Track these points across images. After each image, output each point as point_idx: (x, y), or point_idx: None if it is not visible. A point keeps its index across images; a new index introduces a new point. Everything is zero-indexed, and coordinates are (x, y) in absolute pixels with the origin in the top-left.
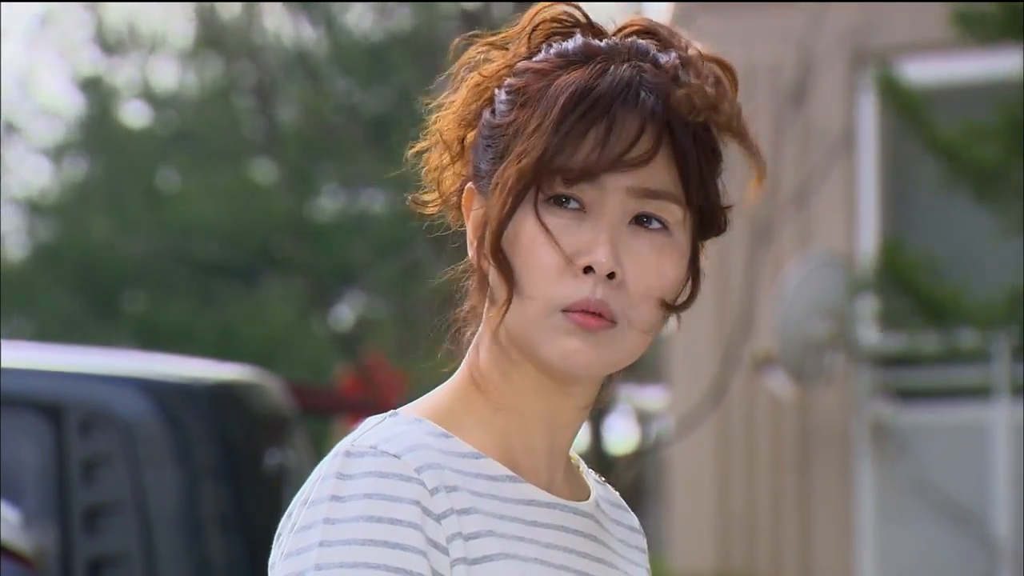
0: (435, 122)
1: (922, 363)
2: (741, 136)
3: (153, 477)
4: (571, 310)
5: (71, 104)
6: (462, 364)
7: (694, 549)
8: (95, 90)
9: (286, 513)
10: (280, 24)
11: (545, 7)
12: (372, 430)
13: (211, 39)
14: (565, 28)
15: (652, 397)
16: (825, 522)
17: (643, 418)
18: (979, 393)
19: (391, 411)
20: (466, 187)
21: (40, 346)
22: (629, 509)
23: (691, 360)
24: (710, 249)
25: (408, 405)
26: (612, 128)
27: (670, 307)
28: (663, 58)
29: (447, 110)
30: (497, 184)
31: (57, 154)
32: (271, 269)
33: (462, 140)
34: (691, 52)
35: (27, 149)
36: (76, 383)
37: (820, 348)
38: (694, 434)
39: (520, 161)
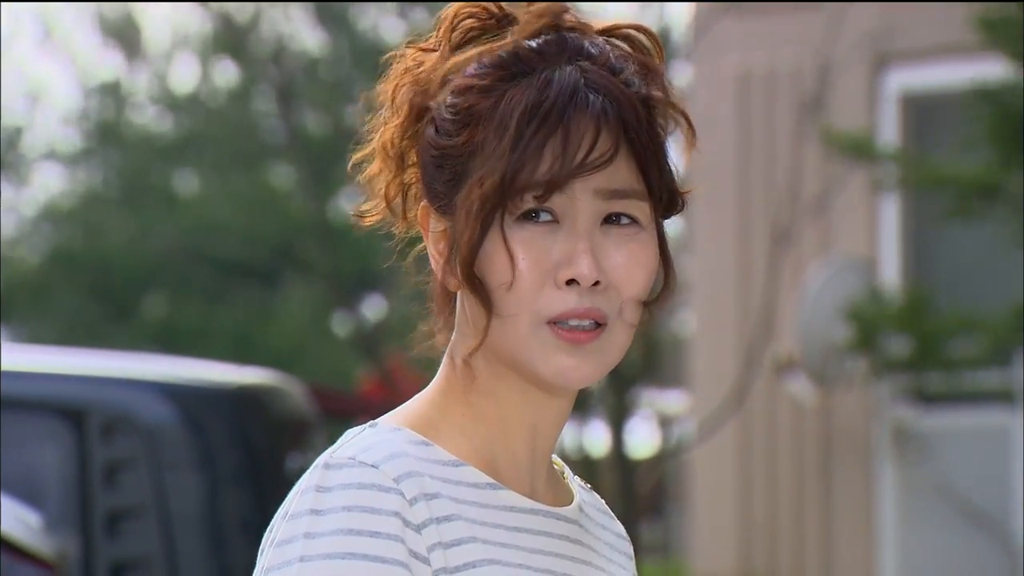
0: (378, 133)
1: (943, 368)
2: (679, 108)
3: (175, 481)
4: (558, 321)
5: (88, 108)
6: (438, 372)
7: (716, 552)
8: (113, 93)
9: (268, 527)
10: (299, 28)
11: (465, 4)
12: (351, 441)
13: (231, 43)
14: (482, 23)
15: (673, 401)
16: (847, 526)
17: (664, 422)
18: (1001, 397)
19: (370, 422)
20: (421, 205)
21: (62, 350)
22: (615, 517)
23: (712, 364)
24: (731, 255)
25: (387, 415)
26: (569, 136)
27: (654, 297)
28: (594, 50)
29: (390, 121)
30: (460, 208)
31: (74, 158)
32: (291, 272)
33: (402, 152)
34: (612, 44)
35: (44, 153)
36: (98, 387)
37: (842, 352)
38: (715, 438)
39: (483, 184)
